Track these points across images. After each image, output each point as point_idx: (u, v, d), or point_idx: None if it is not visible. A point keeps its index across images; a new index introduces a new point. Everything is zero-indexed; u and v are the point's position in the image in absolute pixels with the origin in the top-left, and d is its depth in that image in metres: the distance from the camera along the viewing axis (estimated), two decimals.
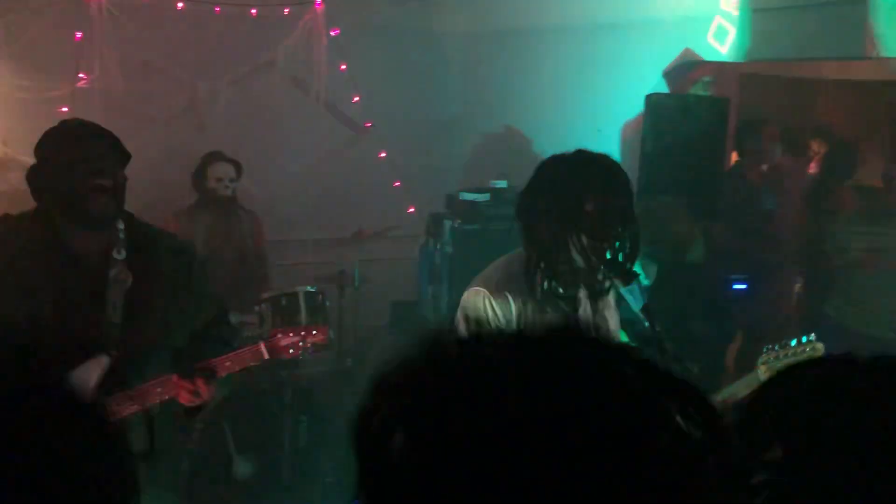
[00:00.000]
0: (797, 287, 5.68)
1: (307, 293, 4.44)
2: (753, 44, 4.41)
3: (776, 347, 2.43)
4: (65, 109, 4.73)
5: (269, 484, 4.22)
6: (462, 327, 2.21)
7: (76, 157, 2.27)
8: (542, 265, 2.16)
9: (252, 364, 2.40)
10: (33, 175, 2.34)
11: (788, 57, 4.62)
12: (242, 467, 4.18)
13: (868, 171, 5.01)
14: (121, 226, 2.39)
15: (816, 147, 6.16)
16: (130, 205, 5.14)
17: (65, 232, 2.33)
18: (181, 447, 4.07)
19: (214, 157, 4.70)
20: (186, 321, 2.48)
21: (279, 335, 2.41)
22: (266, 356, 2.38)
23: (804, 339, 2.42)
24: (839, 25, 4.08)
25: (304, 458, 4.37)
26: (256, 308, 4.37)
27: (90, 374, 2.28)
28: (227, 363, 2.36)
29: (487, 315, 2.16)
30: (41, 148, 2.35)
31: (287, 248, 5.47)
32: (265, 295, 4.42)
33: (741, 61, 4.67)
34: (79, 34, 4.69)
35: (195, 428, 4.13)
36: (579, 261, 2.13)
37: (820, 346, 2.40)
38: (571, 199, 2.08)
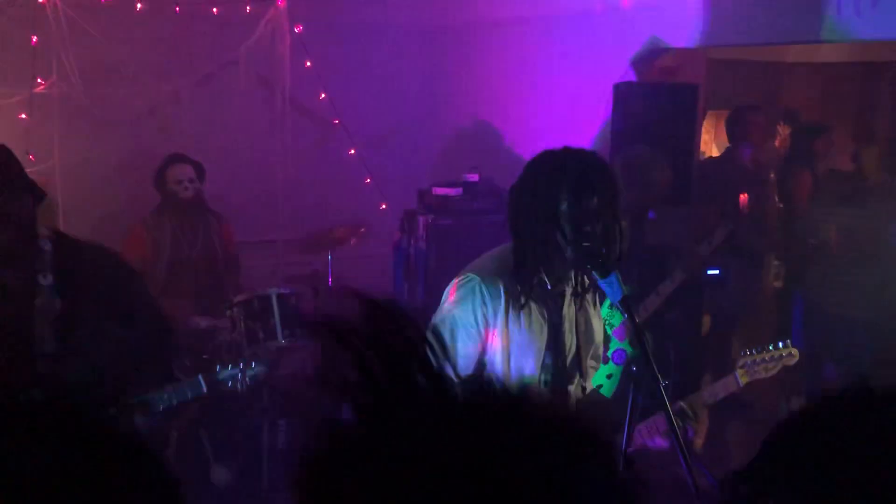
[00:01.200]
0: (774, 271, 5.74)
1: (280, 295, 4.39)
2: (716, 29, 4.42)
3: (753, 351, 2.50)
4: (23, 116, 4.63)
5: (249, 490, 4.16)
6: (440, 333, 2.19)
7: None
8: (530, 262, 2.16)
9: (192, 399, 2.35)
10: None
11: (753, 42, 4.63)
12: (220, 474, 4.12)
13: (840, 155, 5.06)
14: (47, 246, 2.23)
15: (781, 130, 6.23)
16: (95, 210, 5.05)
17: None
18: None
19: (173, 159, 4.62)
20: (127, 347, 2.30)
21: (217, 367, 2.38)
22: (205, 390, 2.32)
23: (780, 344, 2.49)
24: (797, 9, 4.11)
25: (283, 462, 4.32)
26: (228, 312, 4.30)
27: None
28: (166, 395, 2.28)
29: (476, 303, 2.15)
30: None
31: (258, 250, 5.41)
32: (237, 298, 4.36)
33: (706, 46, 4.67)
34: (35, 38, 4.58)
35: (172, 435, 4.07)
36: (564, 258, 2.14)
37: (795, 350, 2.50)
38: (548, 198, 2.10)
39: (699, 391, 2.44)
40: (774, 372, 2.52)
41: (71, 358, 2.22)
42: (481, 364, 2.23)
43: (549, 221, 2.10)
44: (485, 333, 2.19)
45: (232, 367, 2.34)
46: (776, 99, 6.82)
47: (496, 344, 2.20)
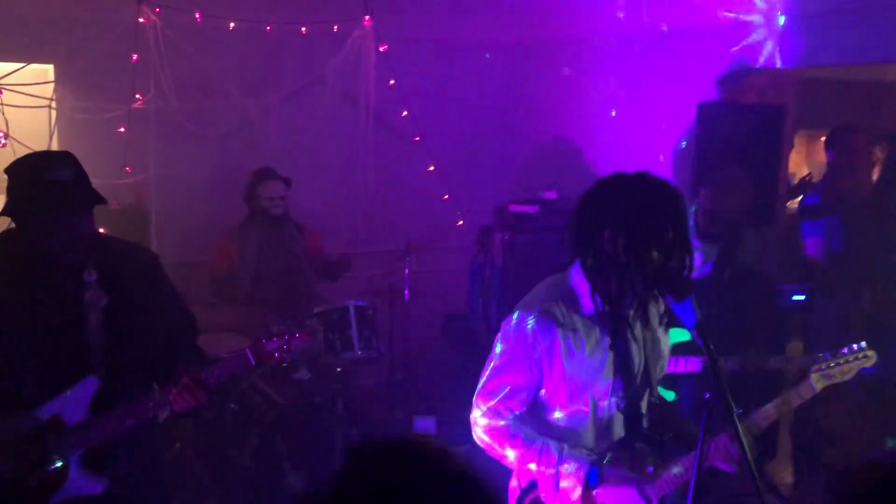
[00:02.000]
0: (865, 300, 5.48)
1: (357, 307, 4.47)
2: (808, 49, 4.30)
3: (828, 356, 2.42)
4: (122, 130, 4.87)
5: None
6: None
7: (48, 210, 2.28)
8: (602, 285, 2.13)
9: (241, 371, 2.44)
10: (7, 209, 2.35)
11: (846, 62, 4.48)
12: (295, 481, 4.20)
13: None
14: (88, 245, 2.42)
15: (878, 153, 5.96)
16: (186, 220, 5.24)
17: (34, 266, 2.36)
18: (234, 461, 4.14)
19: (265, 175, 4.75)
20: (162, 329, 2.52)
21: (263, 340, 2.45)
22: (253, 362, 2.41)
23: (855, 347, 2.41)
24: (887, 30, 3.96)
25: None
26: (308, 322, 4.40)
27: (82, 395, 2.35)
28: (216, 372, 2.39)
29: (526, 342, 2.15)
30: (12, 181, 2.34)
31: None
32: (317, 309, 4.46)
33: (796, 67, 4.54)
34: (135, 56, 4.82)
35: (248, 442, 4.19)
36: (639, 286, 2.10)
37: (872, 353, 2.39)
38: (639, 229, 2.04)
39: (773, 402, 2.35)
40: (850, 375, 2.43)
41: (120, 346, 2.40)
42: (538, 399, 2.23)
43: (629, 247, 2.05)
44: (539, 370, 2.18)
45: (277, 339, 2.44)
46: (874, 120, 6.56)
47: (555, 376, 2.18)
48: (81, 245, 2.36)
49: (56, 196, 2.28)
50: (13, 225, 2.41)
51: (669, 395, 3.41)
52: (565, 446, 2.19)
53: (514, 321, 2.19)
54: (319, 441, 4.37)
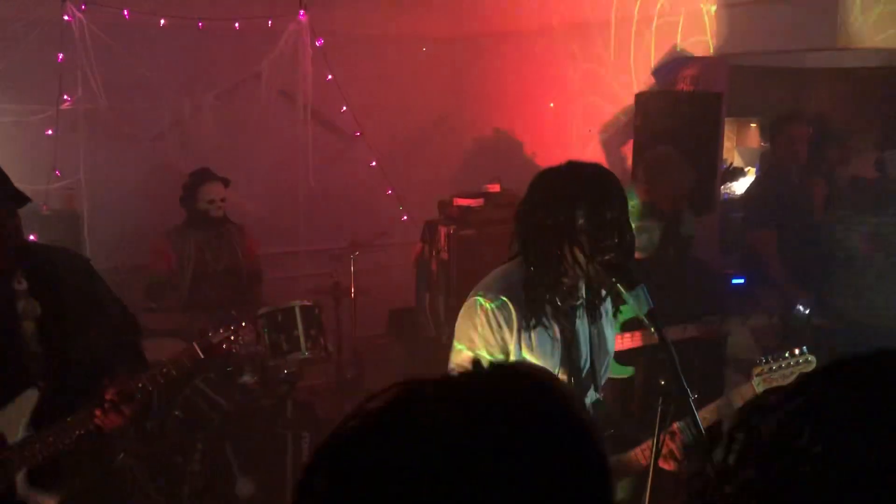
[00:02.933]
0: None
1: (303, 307, 4.40)
2: (736, 37, 4.40)
3: (769, 358, 2.45)
4: (49, 132, 4.69)
5: (273, 502, 4.17)
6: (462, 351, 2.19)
7: None
8: (542, 279, 2.14)
9: (190, 366, 2.38)
10: None
11: (772, 49, 4.60)
12: (245, 487, 4.13)
13: (863, 162, 5.00)
14: (15, 253, 2.32)
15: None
16: (120, 223, 5.08)
17: None
18: (182, 469, 4.04)
19: (203, 177, 4.64)
20: (102, 332, 2.43)
21: (210, 333, 2.42)
22: (201, 355, 2.36)
23: (797, 352, 2.45)
24: (811, 17, 4.08)
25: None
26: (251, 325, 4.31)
27: (21, 410, 2.25)
28: (165, 369, 2.32)
29: (490, 323, 2.14)
30: None
31: (281, 262, 5.43)
32: (261, 311, 4.38)
33: (727, 54, 4.64)
34: (61, 55, 4.64)
35: (196, 449, 4.09)
36: (577, 274, 2.12)
37: (812, 358, 2.42)
38: (564, 214, 2.07)
39: (715, 402, 2.40)
40: (792, 379, 2.46)
41: (58, 356, 2.31)
42: None
43: (566, 237, 2.07)
44: (506, 353, 2.17)
45: (223, 331, 2.39)
46: (796, 106, 6.76)
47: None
48: (6, 249, 2.24)
49: None
50: None
51: (628, 371, 3.45)
52: None
53: (474, 307, 2.18)
54: (269, 445, 4.29)
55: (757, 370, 2.44)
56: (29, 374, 2.28)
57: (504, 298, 2.15)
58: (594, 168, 2.15)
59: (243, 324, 2.44)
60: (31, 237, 2.47)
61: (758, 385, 2.42)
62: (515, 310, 2.14)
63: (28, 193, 2.31)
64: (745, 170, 6.23)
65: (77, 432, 2.26)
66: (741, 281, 4.39)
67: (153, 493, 3.96)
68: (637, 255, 3.34)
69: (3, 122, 4.63)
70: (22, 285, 2.29)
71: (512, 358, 2.16)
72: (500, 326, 2.14)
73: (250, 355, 4.32)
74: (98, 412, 2.25)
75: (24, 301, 2.29)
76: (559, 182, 2.13)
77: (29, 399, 2.26)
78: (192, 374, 3.85)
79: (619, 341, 3.23)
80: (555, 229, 2.08)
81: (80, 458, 2.36)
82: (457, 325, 2.23)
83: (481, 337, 2.15)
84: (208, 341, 2.38)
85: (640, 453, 2.29)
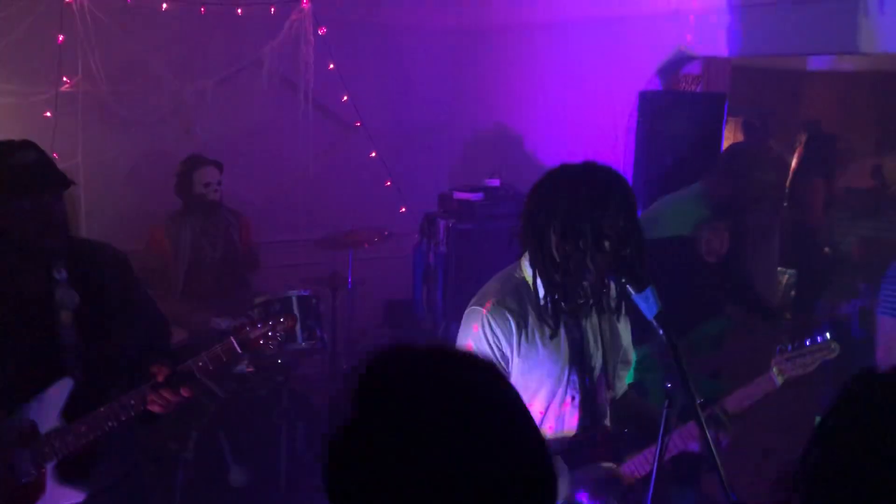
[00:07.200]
0: (786, 279, 5.69)
1: (300, 297, 4.39)
2: (745, 39, 4.39)
3: (789, 347, 2.33)
4: (48, 114, 4.64)
5: (267, 492, 4.17)
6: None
7: (18, 195, 2.16)
8: (548, 281, 2.12)
9: (227, 361, 2.30)
10: None
11: (780, 52, 4.60)
12: (238, 475, 4.12)
13: (860, 170, 5.02)
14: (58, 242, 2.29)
15: (799, 138, 6.18)
16: (117, 208, 5.05)
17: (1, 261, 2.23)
18: (176, 456, 4.02)
19: (197, 161, 4.61)
20: (136, 330, 2.40)
21: (247, 328, 2.32)
22: (239, 350, 2.28)
23: (818, 339, 2.32)
24: (830, 20, 4.07)
25: (302, 463, 4.32)
26: (249, 313, 4.30)
27: (56, 398, 2.22)
28: (201, 363, 2.26)
29: (485, 333, 2.13)
30: None
31: (277, 250, 5.41)
32: (258, 300, 4.36)
33: (732, 56, 4.64)
34: (61, 37, 4.59)
35: (190, 437, 4.08)
36: (586, 276, 2.10)
37: (835, 344, 2.30)
38: (575, 217, 2.03)
39: (732, 394, 2.34)
40: (813, 368, 2.31)
41: (94, 348, 2.27)
42: None
43: (575, 240, 2.04)
44: (505, 363, 2.15)
45: (261, 325, 2.31)
46: (796, 108, 6.79)
47: (513, 369, 2.15)
48: (57, 231, 2.22)
49: (25, 179, 2.15)
50: None
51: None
52: None
53: (470, 318, 2.17)
54: (263, 434, 4.29)
55: (774, 360, 2.33)
56: (63, 364, 2.24)
57: (501, 308, 2.14)
58: (608, 169, 2.13)
59: (281, 319, 2.36)
60: None
61: (777, 376, 2.32)
62: (513, 318, 2.13)
63: None
64: None
65: (110, 425, 2.21)
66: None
67: (148, 479, 3.94)
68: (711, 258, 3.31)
69: (1, 103, 4.57)
70: (62, 274, 2.25)
71: (514, 364, 2.16)
72: (496, 336, 2.13)
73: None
74: (152, 396, 2.20)
75: (63, 290, 2.25)
76: (572, 181, 2.09)
77: (64, 388, 2.23)
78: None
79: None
80: (564, 232, 2.06)
81: (113, 451, 2.32)
82: (459, 331, 2.23)
83: (477, 349, 2.14)
84: (247, 336, 2.30)
85: (628, 473, 2.27)
